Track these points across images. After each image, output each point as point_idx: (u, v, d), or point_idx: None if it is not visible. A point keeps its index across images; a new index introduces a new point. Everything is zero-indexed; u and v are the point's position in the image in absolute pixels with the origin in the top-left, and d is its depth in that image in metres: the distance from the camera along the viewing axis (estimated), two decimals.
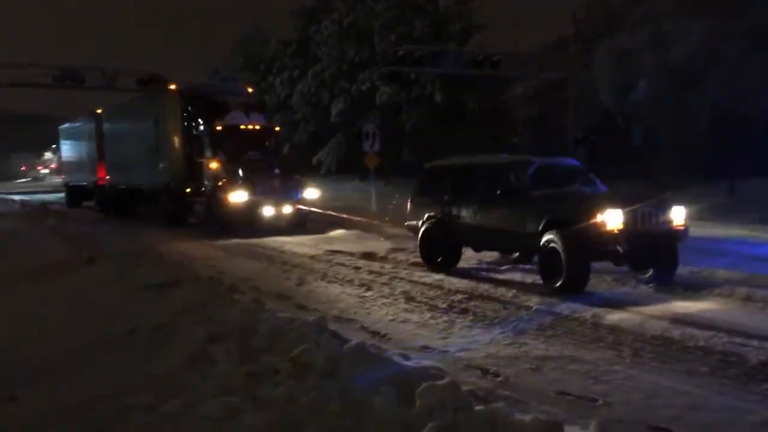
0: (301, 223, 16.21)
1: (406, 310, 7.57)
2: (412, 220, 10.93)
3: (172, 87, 18.56)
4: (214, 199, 16.02)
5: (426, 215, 10.43)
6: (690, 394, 4.63)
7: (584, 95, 29.52)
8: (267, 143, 17.56)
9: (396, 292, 8.65)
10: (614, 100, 26.16)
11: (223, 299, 7.21)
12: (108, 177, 24.13)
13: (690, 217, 9.08)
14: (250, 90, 21.00)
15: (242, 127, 17.22)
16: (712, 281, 8.54)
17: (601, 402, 4.49)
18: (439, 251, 10.14)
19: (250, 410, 3.99)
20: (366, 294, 8.61)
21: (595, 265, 8.52)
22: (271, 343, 5.42)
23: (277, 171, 16.32)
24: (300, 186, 16.61)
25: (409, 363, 5.02)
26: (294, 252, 12.91)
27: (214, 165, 16.39)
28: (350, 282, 9.51)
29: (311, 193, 16.71)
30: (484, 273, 10.13)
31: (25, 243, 14.69)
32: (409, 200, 11.14)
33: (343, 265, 11.10)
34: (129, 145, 21.59)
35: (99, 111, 25.53)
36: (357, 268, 10.62)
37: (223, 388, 4.44)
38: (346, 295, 8.54)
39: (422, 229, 10.40)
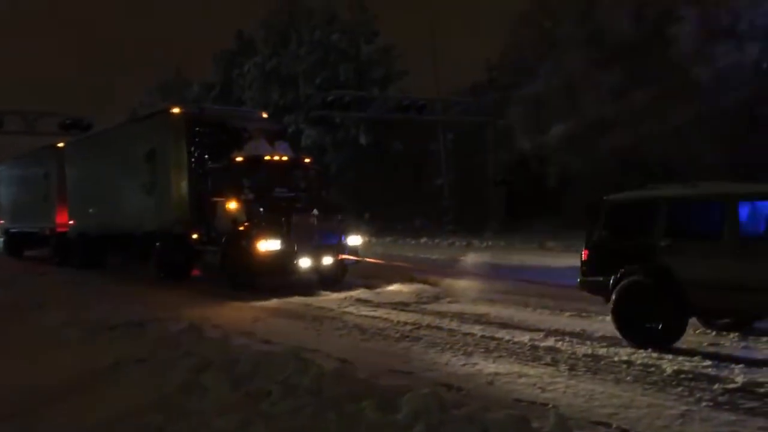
0: (341, 276, 13.34)
1: None
2: (590, 274, 8.04)
3: (175, 110, 15.17)
4: (234, 247, 12.84)
5: (621, 269, 7.61)
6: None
7: (502, 139, 31.40)
8: (298, 178, 14.42)
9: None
10: (530, 144, 28.00)
11: (194, 335, 7.65)
12: (73, 222, 19.89)
13: None
14: (264, 115, 17.98)
15: (267, 158, 13.92)
16: None
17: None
18: (652, 317, 7.29)
19: (258, 422, 4.54)
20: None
21: None
22: (254, 370, 5.96)
23: (315, 212, 13.05)
24: (343, 230, 13.37)
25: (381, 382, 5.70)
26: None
27: (234, 205, 13.21)
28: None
29: (355, 239, 13.46)
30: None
31: None
32: (587, 247, 8.20)
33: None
34: (109, 184, 17.76)
35: (60, 145, 21.60)
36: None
37: (224, 407, 4.96)
38: None
39: (620, 286, 7.54)
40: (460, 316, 9.59)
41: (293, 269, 12.64)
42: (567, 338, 7.92)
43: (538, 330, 8.40)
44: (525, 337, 7.98)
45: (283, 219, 12.60)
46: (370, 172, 36.94)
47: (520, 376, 6.34)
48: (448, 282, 12.43)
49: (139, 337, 7.66)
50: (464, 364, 6.85)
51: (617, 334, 8.02)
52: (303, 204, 13.42)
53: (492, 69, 35.89)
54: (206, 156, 14.57)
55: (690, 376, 6.18)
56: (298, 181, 14.37)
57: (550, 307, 10.13)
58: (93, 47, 78.64)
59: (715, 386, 5.79)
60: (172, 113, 15.14)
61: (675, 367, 6.41)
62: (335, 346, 7.75)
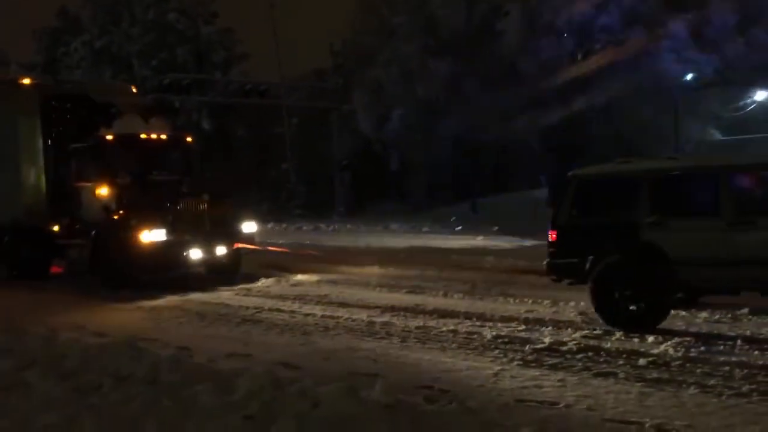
0: (235, 268, 11.98)
1: None
2: (561, 256, 7.43)
3: (25, 81, 13.07)
4: (108, 239, 11.16)
5: (597, 248, 7.17)
6: None
7: (346, 124, 31.97)
8: (178, 159, 12.75)
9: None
10: (372, 129, 28.83)
11: (11, 332, 7.23)
12: None
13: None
14: (134, 89, 15.76)
15: (143, 136, 12.18)
16: None
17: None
18: (637, 298, 6.92)
19: (85, 415, 4.45)
20: None
21: None
22: (84, 364, 5.78)
23: (206, 197, 11.63)
24: (236, 216, 12.04)
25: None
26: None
27: (105, 191, 11.52)
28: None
29: (249, 226, 12.09)
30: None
31: None
32: (552, 229, 7.54)
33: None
34: None
35: None
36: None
37: (50, 403, 4.78)
38: None
39: (600, 267, 7.10)
40: (301, 298, 9.80)
41: (182, 262, 11.26)
42: (402, 313, 8.38)
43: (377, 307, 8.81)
44: (363, 315, 8.35)
45: (168, 205, 11.20)
46: (215, 158, 36.03)
47: (356, 350, 6.67)
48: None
49: None
50: (302, 344, 7.07)
51: (447, 306, 8.66)
52: (188, 188, 11.98)
53: (336, 54, 36.31)
54: (66, 135, 12.43)
55: (506, 339, 6.83)
56: (178, 162, 12.67)
57: (389, 285, 10.64)
58: None
59: (526, 347, 6.47)
60: (21, 84, 13.02)
61: (494, 333, 7.06)
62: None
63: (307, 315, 8.57)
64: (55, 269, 12.93)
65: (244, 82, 30.41)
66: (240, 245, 11.92)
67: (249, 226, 12.08)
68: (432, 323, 7.77)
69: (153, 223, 10.91)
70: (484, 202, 26.99)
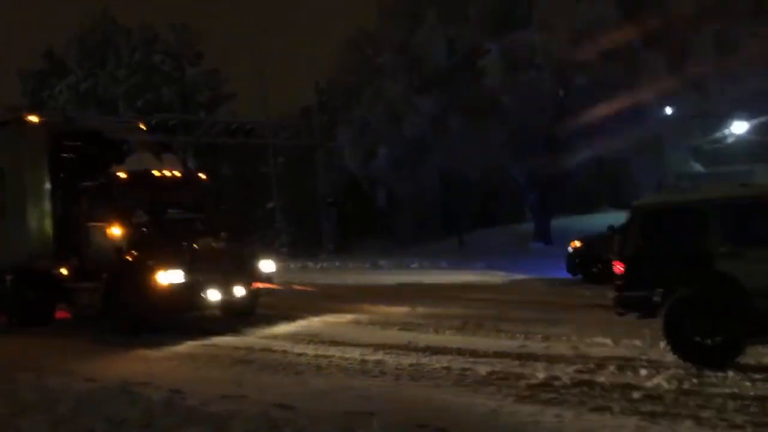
0: (250, 309, 11.59)
1: None
2: (631, 289, 7.18)
3: (33, 119, 12.54)
4: (122, 281, 10.65)
5: (668, 280, 6.93)
6: None
7: (332, 161, 32.17)
8: (192, 197, 12.18)
9: None
10: (358, 166, 29.01)
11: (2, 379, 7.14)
12: None
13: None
14: (142, 126, 15.24)
15: (156, 173, 11.74)
16: None
17: None
18: (709, 333, 6.63)
19: None
20: None
21: None
22: (78, 408, 5.71)
23: (223, 235, 11.34)
24: (254, 255, 11.75)
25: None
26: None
27: (118, 231, 10.97)
28: None
29: (268, 265, 11.69)
30: None
31: None
32: (621, 260, 7.29)
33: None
34: None
35: None
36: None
37: None
38: None
39: (670, 301, 6.83)
40: (293, 337, 9.76)
41: (200, 304, 10.72)
42: (394, 351, 8.37)
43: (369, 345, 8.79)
44: (356, 353, 8.33)
45: (185, 244, 10.73)
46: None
47: (349, 389, 6.64)
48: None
49: None
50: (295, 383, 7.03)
51: (439, 343, 8.65)
52: (204, 226, 11.53)
53: (321, 92, 36.73)
54: (77, 173, 11.90)
55: (501, 375, 6.84)
56: (192, 199, 12.09)
57: (380, 322, 10.63)
58: None
59: (521, 383, 6.48)
60: (29, 123, 12.42)
61: (488, 369, 7.06)
62: None
63: (300, 354, 8.53)
64: (59, 314, 12.30)
65: (230, 122, 30.59)
66: (258, 285, 11.41)
67: (267, 265, 11.61)
68: (425, 360, 7.75)
69: (170, 263, 10.39)
70: (471, 236, 27.14)
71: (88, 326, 11.61)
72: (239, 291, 10.98)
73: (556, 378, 6.56)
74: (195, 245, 10.82)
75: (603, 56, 22.56)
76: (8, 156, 12.55)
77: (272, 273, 11.73)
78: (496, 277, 17.41)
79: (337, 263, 25.34)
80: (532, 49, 22.75)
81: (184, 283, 10.37)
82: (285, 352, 8.77)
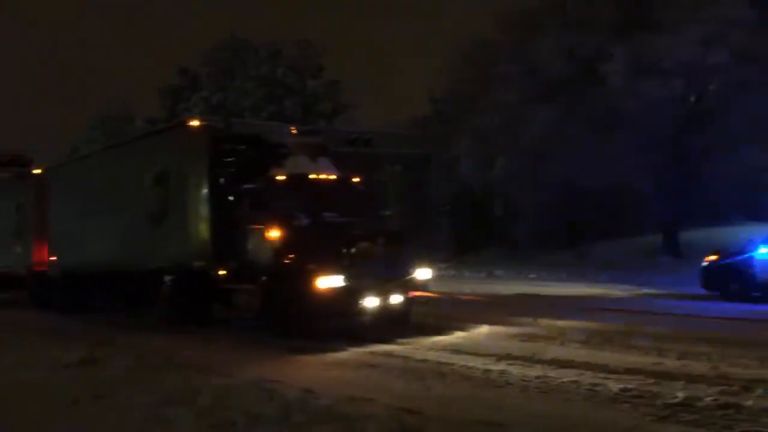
0: (404, 318, 11.14)
1: None
2: None
3: (194, 123, 12.87)
4: (281, 285, 10.63)
5: None
6: None
7: (447, 170, 32.11)
8: (347, 199, 11.89)
9: None
10: (475, 175, 28.77)
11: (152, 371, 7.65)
12: (54, 259, 17.00)
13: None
14: (293, 130, 14.70)
15: (313, 177, 11.80)
16: None
17: None
18: None
19: None
20: None
21: None
22: (218, 401, 6.03)
23: (381, 241, 11.01)
24: (411, 261, 11.27)
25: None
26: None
27: (277, 233, 10.88)
28: None
29: (425, 272, 11.29)
30: None
31: None
32: None
33: None
34: (101, 213, 15.02)
35: (37, 171, 18.71)
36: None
37: None
38: None
39: None
40: (414, 344, 9.79)
41: (358, 310, 10.45)
42: (518, 362, 8.20)
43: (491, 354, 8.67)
44: (478, 362, 8.24)
45: (344, 249, 10.53)
46: None
47: (475, 398, 6.57)
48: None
49: (95, 373, 7.56)
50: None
51: (565, 356, 8.38)
52: (362, 230, 11.10)
53: (437, 102, 36.86)
54: (237, 176, 12.03)
55: (635, 393, 6.52)
56: (347, 203, 11.76)
57: (501, 332, 10.49)
58: (26, 84, 76.11)
59: (658, 402, 6.15)
60: (191, 127, 12.73)
61: (620, 386, 6.76)
62: None
63: (420, 361, 8.56)
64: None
65: (349, 131, 31.32)
66: (415, 294, 11.15)
67: (423, 273, 11.21)
68: (552, 373, 7.53)
69: (330, 268, 10.25)
70: (592, 247, 26.18)
71: (239, 327, 12.14)
72: (396, 298, 10.81)
73: (698, 398, 6.17)
74: (353, 250, 10.61)
75: (738, 59, 21.16)
76: (172, 159, 13.07)
77: (429, 280, 11.43)
78: (621, 290, 16.70)
79: (452, 272, 25.25)
80: (658, 53, 21.67)
81: (342, 287, 10.25)
82: (406, 358, 8.84)
